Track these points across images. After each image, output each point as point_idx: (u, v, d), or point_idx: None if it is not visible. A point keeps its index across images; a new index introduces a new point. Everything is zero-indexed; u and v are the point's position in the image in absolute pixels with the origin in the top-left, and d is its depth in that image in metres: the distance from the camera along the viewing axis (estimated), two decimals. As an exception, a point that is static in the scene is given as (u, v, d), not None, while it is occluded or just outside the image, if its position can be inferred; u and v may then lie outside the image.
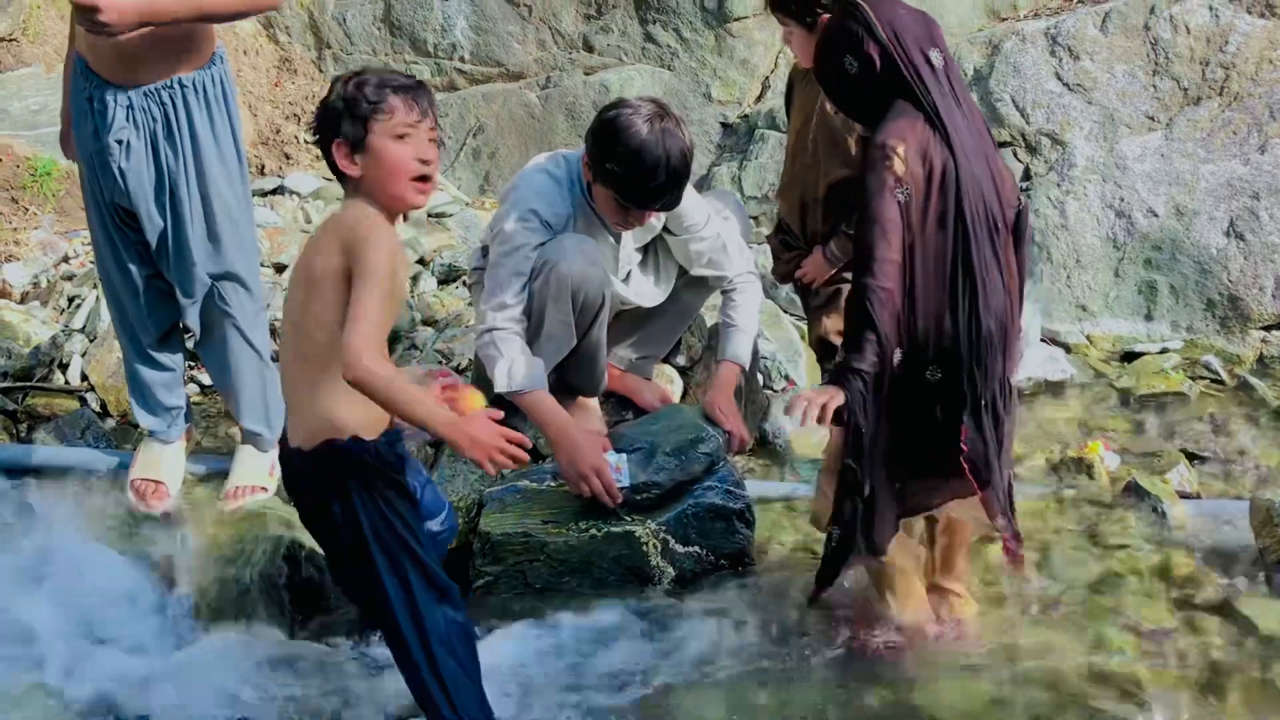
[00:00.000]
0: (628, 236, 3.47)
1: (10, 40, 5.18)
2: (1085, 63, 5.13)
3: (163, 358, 3.33)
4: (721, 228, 3.48)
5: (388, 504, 2.31)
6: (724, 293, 3.53)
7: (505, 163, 5.83)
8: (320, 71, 6.03)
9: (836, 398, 2.47)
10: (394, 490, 2.33)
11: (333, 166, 2.30)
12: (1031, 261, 5.06)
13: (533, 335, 3.26)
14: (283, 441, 2.40)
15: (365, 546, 2.30)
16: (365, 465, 2.28)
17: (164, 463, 3.37)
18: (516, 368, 3.13)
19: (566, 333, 3.30)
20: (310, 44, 6.04)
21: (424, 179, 2.30)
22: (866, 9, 2.56)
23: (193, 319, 3.23)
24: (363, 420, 2.28)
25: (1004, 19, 5.64)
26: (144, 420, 3.37)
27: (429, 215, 5.05)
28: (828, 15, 3.02)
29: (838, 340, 3.34)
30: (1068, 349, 4.87)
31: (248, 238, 3.27)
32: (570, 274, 3.21)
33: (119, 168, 3.06)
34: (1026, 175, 5.13)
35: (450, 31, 5.91)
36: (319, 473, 2.30)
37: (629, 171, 3.10)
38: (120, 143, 3.04)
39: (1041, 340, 4.89)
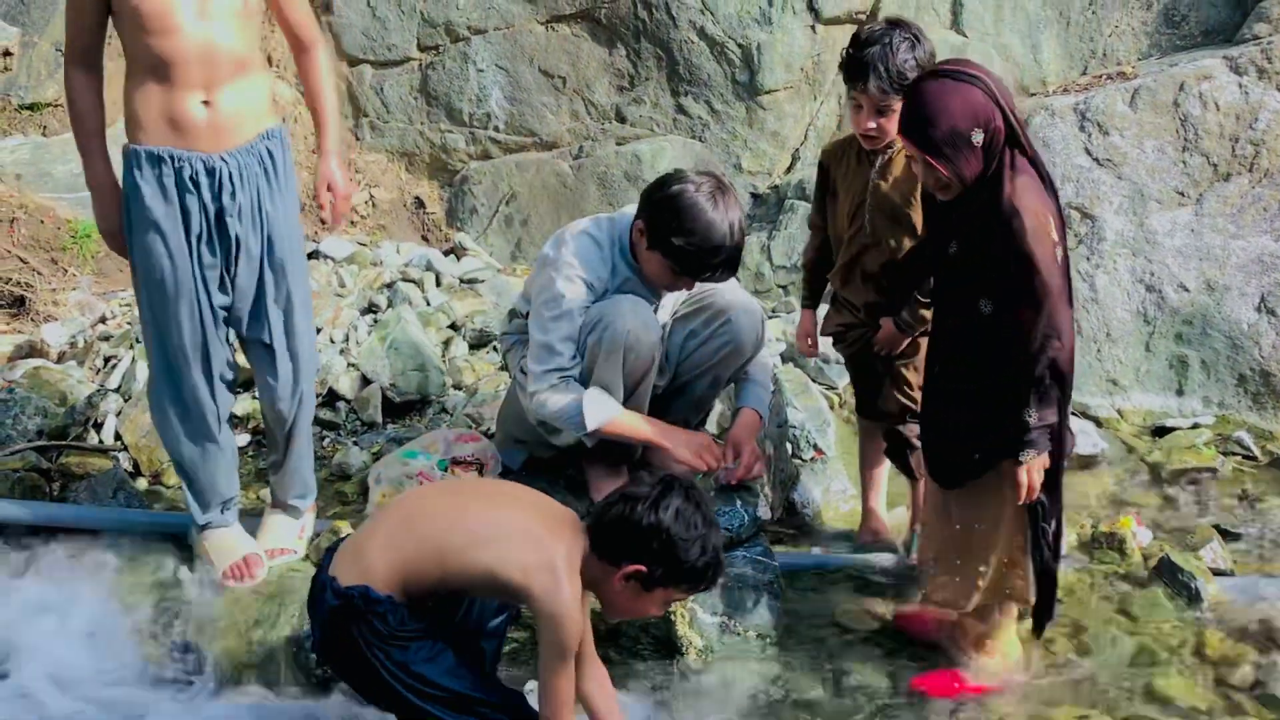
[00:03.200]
0: (667, 298, 3.53)
1: (57, 105, 5.31)
2: (1114, 138, 5.16)
3: (225, 440, 3.27)
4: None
5: (400, 651, 2.46)
6: None
7: (537, 230, 5.90)
8: (357, 139, 6.13)
9: (1042, 460, 2.71)
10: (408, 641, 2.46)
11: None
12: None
13: (581, 389, 3.33)
14: (325, 556, 2.55)
15: (387, 686, 2.47)
16: (387, 623, 2.44)
17: (238, 540, 3.33)
18: (595, 403, 3.24)
19: (615, 389, 3.34)
20: (348, 113, 6.15)
21: None
22: (989, 81, 2.59)
23: (284, 385, 3.23)
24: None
25: (1033, 94, 5.69)
26: (202, 514, 3.29)
27: (461, 280, 5.10)
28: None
29: (918, 396, 3.33)
30: (1099, 423, 4.85)
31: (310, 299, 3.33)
32: (625, 332, 3.27)
33: (235, 234, 3.05)
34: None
35: (485, 102, 6.01)
36: (342, 610, 2.44)
37: (696, 247, 3.20)
38: (235, 205, 3.04)
39: (1072, 414, 4.86)
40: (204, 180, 3.00)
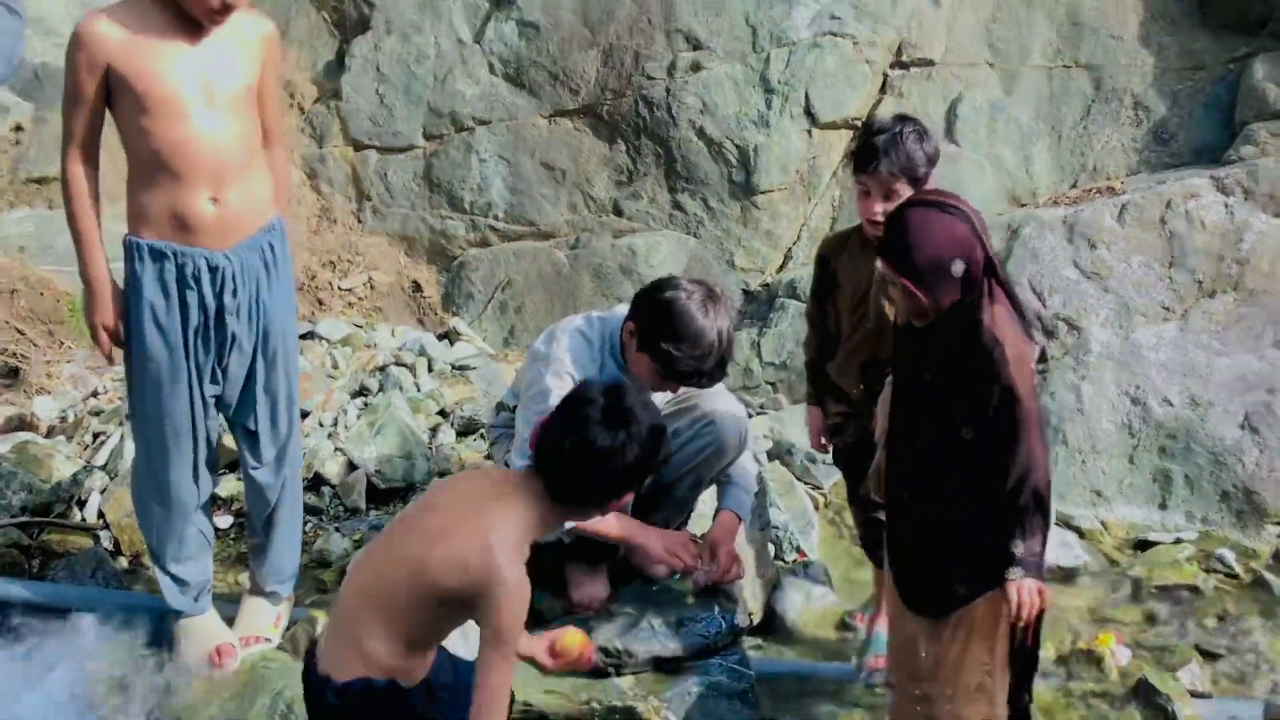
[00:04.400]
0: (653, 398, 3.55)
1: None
2: (1102, 251, 5.24)
3: (203, 527, 3.29)
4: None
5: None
6: None
7: (531, 318, 5.96)
8: (359, 222, 6.21)
9: (1037, 589, 2.67)
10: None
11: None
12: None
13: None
14: (309, 658, 2.40)
15: None
16: (395, 712, 2.29)
17: (211, 628, 3.32)
18: None
19: None
20: (351, 195, 6.24)
21: None
22: (971, 214, 2.65)
23: (267, 470, 3.25)
24: (404, 666, 2.30)
25: (1023, 204, 5.79)
26: (177, 601, 3.28)
27: (453, 367, 5.14)
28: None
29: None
30: (1081, 534, 4.85)
31: (296, 388, 3.36)
32: None
33: (232, 330, 3.07)
34: (1043, 358, 5.19)
35: (486, 191, 6.10)
36: (346, 708, 2.29)
37: (684, 354, 3.25)
38: (235, 302, 3.05)
39: (1055, 524, 4.88)
40: (206, 277, 3.00)
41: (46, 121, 5.52)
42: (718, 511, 3.59)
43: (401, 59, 6.22)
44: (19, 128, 5.49)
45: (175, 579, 3.26)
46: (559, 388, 3.32)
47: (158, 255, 2.98)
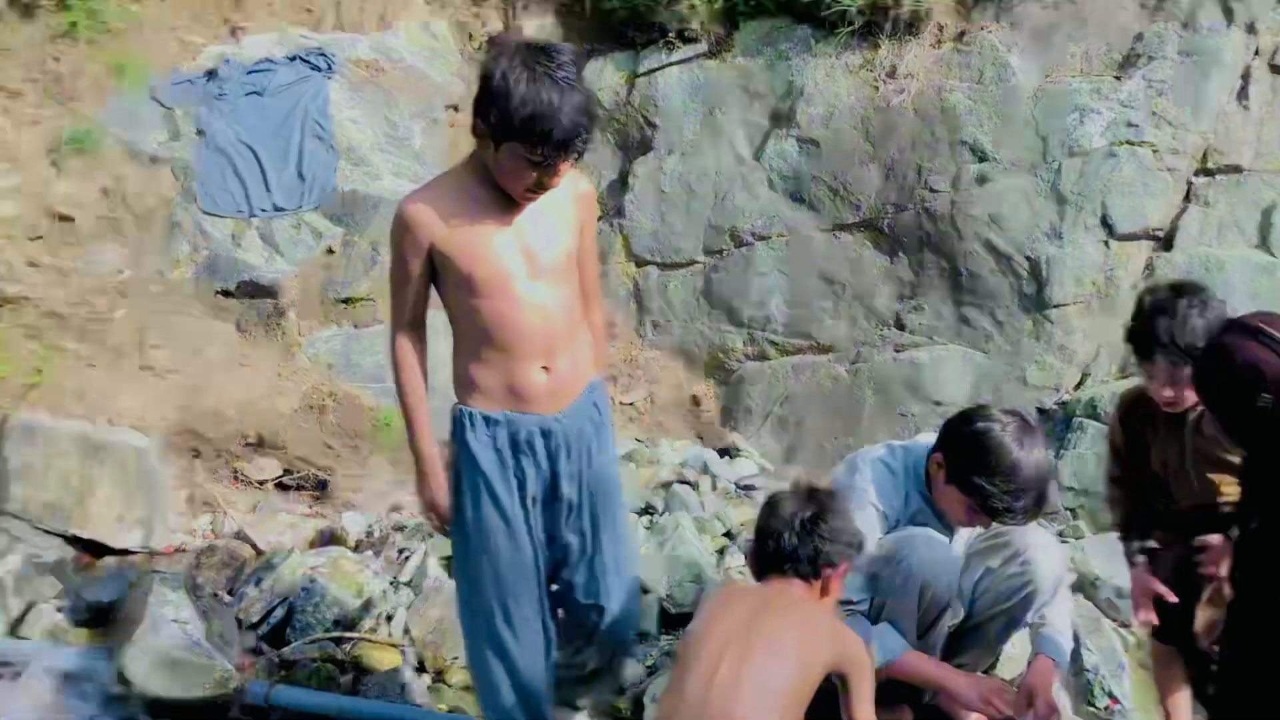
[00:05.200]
0: (961, 532, 3.42)
1: (369, 299, 5.71)
2: None
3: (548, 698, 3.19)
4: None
5: None
6: None
7: (810, 434, 5.87)
8: (640, 337, 6.31)
9: None
10: None
11: None
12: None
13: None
14: None
15: None
16: None
17: None
18: (882, 640, 3.14)
19: (910, 626, 3.24)
20: (633, 310, 6.36)
21: None
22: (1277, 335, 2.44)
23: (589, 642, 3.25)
24: None
25: (1353, 318, 5.31)
26: None
27: (738, 486, 5.10)
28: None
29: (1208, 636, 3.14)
30: None
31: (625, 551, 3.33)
32: (923, 568, 3.19)
33: (568, 497, 3.03)
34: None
35: (765, 305, 6.10)
36: None
37: (1000, 489, 3.13)
38: (571, 466, 3.00)
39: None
40: (539, 442, 2.96)
41: (354, 245, 5.89)
42: (1034, 655, 3.38)
43: (683, 178, 6.34)
44: (330, 250, 5.86)
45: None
46: (862, 520, 3.23)
47: (491, 423, 2.94)
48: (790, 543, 2.80)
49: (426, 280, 2.91)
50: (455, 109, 6.55)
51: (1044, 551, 3.37)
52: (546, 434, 2.97)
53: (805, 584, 2.80)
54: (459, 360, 2.99)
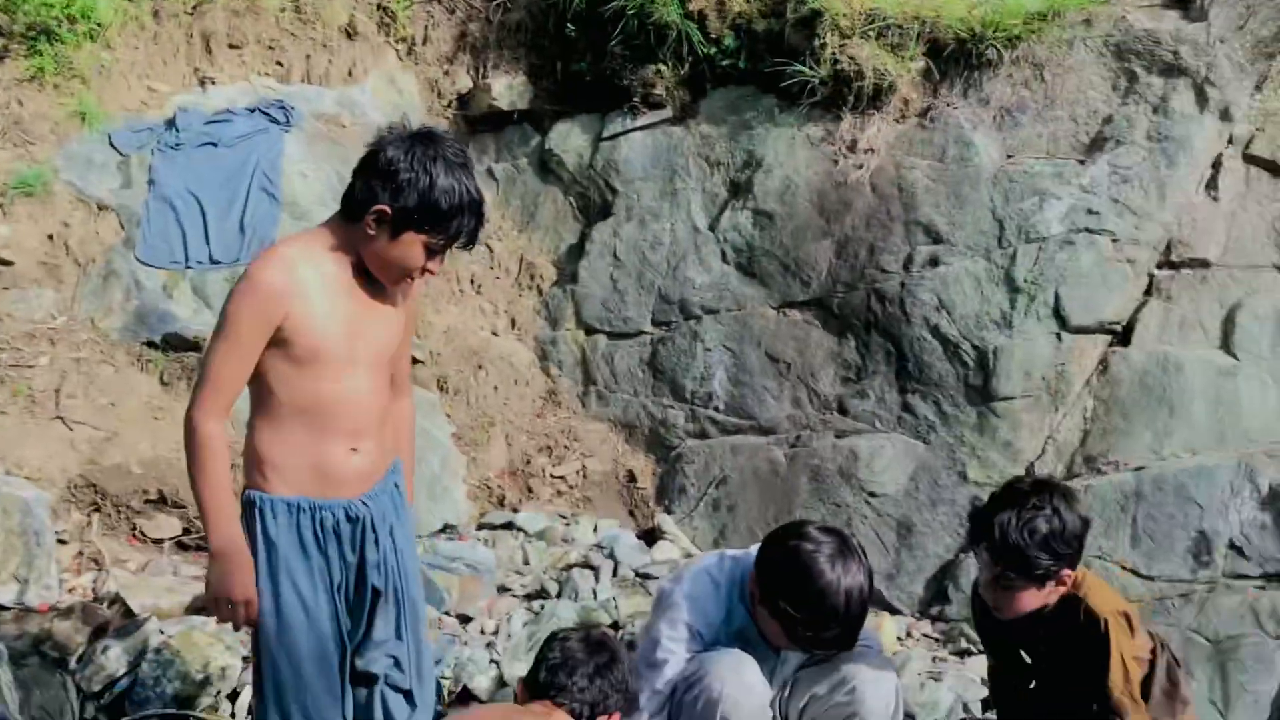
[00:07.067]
0: (791, 655, 3.19)
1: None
2: None
3: None
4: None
5: None
6: None
7: (743, 518, 5.64)
8: (584, 406, 6.15)
9: None
10: None
11: None
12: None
13: (673, 757, 3.01)
14: None
15: None
16: None
17: None
18: None
19: None
20: (578, 379, 6.20)
21: None
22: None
23: None
24: None
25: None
26: None
27: (636, 574, 4.88)
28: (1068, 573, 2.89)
29: None
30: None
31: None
32: (722, 698, 2.97)
33: (374, 583, 2.90)
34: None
35: (709, 380, 5.90)
36: None
37: (805, 617, 2.90)
38: (378, 553, 2.90)
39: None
40: (345, 530, 2.85)
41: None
42: None
43: (638, 245, 6.18)
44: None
45: None
46: (670, 641, 3.03)
47: (293, 509, 2.81)
48: (579, 683, 2.74)
49: (260, 353, 2.75)
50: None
51: (874, 683, 3.12)
52: (353, 520, 2.86)
53: None
54: (260, 439, 2.84)
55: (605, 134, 6.42)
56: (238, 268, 5.74)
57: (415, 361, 5.80)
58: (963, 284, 5.45)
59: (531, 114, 6.67)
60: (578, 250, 6.41)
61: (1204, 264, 5.29)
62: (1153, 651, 3.07)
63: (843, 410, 5.63)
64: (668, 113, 6.33)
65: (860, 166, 5.79)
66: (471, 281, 6.29)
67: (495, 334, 6.25)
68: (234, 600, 2.84)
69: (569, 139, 6.52)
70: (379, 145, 2.80)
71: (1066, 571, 2.92)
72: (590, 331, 6.25)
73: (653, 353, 6.07)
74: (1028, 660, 3.18)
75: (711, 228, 6.07)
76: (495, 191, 6.62)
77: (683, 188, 6.18)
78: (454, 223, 2.73)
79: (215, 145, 6.07)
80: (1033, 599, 2.95)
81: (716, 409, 5.87)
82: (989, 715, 4.59)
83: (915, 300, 5.49)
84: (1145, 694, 3.03)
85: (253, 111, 6.24)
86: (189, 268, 5.70)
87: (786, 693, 3.20)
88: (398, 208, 2.72)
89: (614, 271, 6.22)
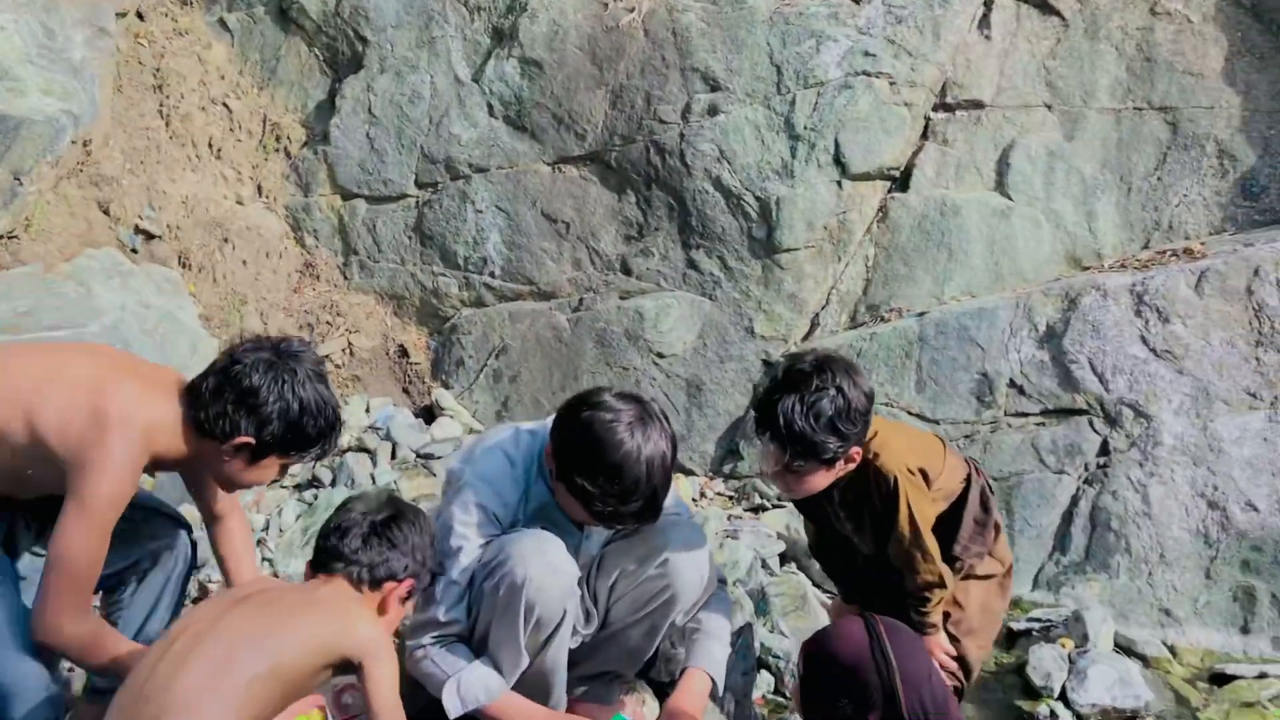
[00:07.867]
0: (596, 531, 2.94)
1: (11, 237, 4.92)
2: (1176, 326, 4.49)
3: None
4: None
5: None
6: None
7: (527, 388, 5.36)
8: (345, 279, 5.68)
9: None
10: None
11: None
12: (1105, 551, 4.37)
13: (477, 649, 2.73)
14: None
15: None
16: None
17: None
18: (467, 683, 2.65)
19: (514, 651, 2.73)
20: (338, 249, 5.72)
21: None
22: (895, 667, 2.15)
23: None
24: None
25: (1086, 268, 5.04)
26: None
27: (417, 455, 4.55)
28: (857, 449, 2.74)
29: None
30: (1145, 661, 4.12)
31: None
32: (525, 582, 2.67)
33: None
34: (1104, 449, 4.46)
35: (482, 245, 5.53)
36: None
37: (601, 490, 2.61)
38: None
39: (1115, 649, 4.15)
40: None
41: None
42: (682, 671, 2.94)
43: (395, 100, 5.68)
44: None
45: None
46: (463, 526, 2.73)
47: None
48: (352, 544, 2.44)
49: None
50: (140, 15, 5.74)
51: (686, 555, 2.91)
52: None
53: (356, 590, 2.43)
54: None
55: (351, -23, 5.83)
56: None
57: (150, 236, 5.18)
58: (743, 133, 5.23)
59: (265, -45, 6.00)
60: (328, 107, 5.86)
61: (978, 105, 5.25)
62: (966, 479, 3.00)
63: (626, 270, 5.38)
64: (420, -47, 5.79)
65: (632, 10, 5.45)
66: (210, 145, 5.65)
67: (240, 203, 5.67)
68: None
69: (310, -17, 5.90)
70: (238, 368, 2.52)
71: (855, 449, 2.78)
72: (347, 196, 5.75)
73: (419, 217, 5.64)
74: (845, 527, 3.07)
75: (475, 79, 5.62)
76: (231, 43, 5.95)
77: (441, 35, 5.70)
78: (319, 444, 2.63)
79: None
80: (823, 479, 2.81)
81: (492, 274, 5.52)
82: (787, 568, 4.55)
83: (695, 152, 5.25)
84: (957, 522, 2.97)
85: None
86: None
87: (595, 570, 2.97)
88: (263, 439, 2.54)
89: (370, 129, 5.71)
